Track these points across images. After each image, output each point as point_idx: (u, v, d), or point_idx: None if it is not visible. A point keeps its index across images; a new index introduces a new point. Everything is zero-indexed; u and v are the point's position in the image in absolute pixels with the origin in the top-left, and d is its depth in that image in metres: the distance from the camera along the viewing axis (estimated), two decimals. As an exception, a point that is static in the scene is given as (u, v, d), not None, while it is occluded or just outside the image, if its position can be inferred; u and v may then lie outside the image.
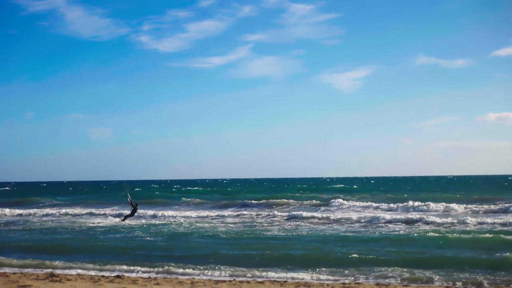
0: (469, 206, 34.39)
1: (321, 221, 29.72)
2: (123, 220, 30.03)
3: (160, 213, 35.94)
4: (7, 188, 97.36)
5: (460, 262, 15.83)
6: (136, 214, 30.30)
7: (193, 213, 36.03)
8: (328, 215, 31.82)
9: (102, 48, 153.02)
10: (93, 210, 39.40)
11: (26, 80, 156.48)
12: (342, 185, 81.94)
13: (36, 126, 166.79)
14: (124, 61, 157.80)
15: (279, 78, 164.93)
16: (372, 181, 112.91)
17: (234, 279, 14.58)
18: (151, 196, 54.61)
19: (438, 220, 27.41)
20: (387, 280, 14.09)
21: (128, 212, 30.95)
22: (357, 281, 13.89)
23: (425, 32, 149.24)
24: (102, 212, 37.70)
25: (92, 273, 15.71)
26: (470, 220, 26.69)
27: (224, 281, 14.44)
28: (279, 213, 33.63)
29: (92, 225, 29.47)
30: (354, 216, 30.45)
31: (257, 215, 33.51)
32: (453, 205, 34.69)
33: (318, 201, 42.54)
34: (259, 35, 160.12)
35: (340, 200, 40.38)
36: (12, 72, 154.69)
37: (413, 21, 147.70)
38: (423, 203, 35.91)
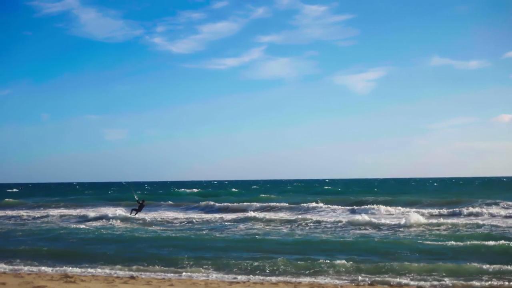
0: (427, 210, 34.55)
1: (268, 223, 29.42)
2: (131, 214, 32.59)
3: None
4: (15, 190, 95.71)
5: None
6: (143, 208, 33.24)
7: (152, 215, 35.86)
8: (281, 216, 32.11)
9: (116, 49, 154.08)
10: (90, 212, 39.37)
11: (40, 81, 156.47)
12: (330, 187, 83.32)
13: (51, 127, 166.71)
14: (138, 62, 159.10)
15: (293, 79, 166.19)
16: (375, 183, 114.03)
17: (249, 280, 14.82)
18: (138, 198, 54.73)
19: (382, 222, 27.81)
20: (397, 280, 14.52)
21: (136, 208, 33.44)
22: (370, 283, 14.29)
23: (439, 34, 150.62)
24: (99, 213, 37.39)
25: (100, 272, 15.82)
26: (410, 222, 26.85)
27: (238, 282, 14.67)
28: (229, 216, 33.34)
29: (77, 227, 28.96)
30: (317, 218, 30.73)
31: (214, 218, 32.80)
32: (407, 209, 35.02)
33: (288, 204, 42.41)
34: (272, 36, 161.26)
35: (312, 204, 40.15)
36: (26, 73, 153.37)
37: (427, 22, 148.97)
38: (374, 207, 36.46)
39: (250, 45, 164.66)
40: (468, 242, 19.95)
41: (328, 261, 16.67)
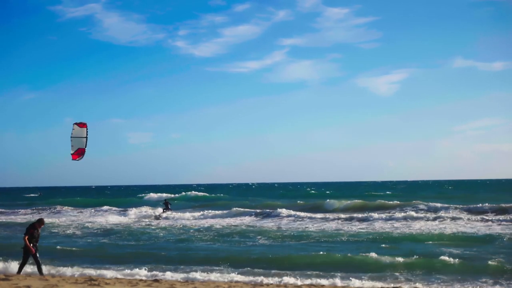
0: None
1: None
2: (160, 216, 36.56)
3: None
4: (34, 194, 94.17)
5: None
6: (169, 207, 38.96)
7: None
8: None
9: (139, 53, 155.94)
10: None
11: (64, 85, 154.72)
12: (315, 191, 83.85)
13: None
14: (161, 66, 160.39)
15: (316, 82, 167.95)
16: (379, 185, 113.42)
17: (272, 284, 15.16)
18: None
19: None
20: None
21: (164, 208, 38.98)
22: (394, 285, 14.72)
23: (463, 35, 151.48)
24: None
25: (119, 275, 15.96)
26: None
27: (261, 285, 14.98)
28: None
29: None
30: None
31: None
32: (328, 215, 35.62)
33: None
34: (295, 39, 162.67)
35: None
36: (51, 77, 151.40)
37: (450, 24, 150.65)
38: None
39: (273, 48, 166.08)
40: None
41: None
